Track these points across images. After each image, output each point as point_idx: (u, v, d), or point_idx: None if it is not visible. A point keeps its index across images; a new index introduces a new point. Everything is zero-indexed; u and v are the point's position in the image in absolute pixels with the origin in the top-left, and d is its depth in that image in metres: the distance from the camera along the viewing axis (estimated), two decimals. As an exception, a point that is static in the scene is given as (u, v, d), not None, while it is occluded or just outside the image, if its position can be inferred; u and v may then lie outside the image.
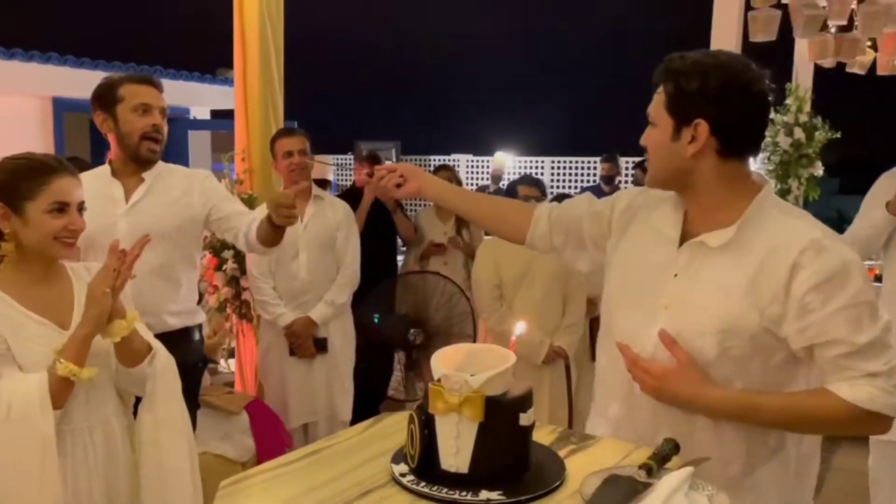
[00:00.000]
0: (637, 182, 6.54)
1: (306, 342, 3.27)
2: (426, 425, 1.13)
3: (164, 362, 1.77)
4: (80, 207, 1.72)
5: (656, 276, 1.40)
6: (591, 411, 1.61)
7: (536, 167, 10.83)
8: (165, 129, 2.32)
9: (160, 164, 2.37)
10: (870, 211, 2.73)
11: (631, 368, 1.39)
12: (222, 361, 4.18)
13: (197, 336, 2.49)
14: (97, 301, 1.59)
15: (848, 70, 4.68)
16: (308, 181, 3.31)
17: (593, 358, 3.44)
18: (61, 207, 1.66)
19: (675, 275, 1.38)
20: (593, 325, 3.46)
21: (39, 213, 1.63)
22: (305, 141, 3.28)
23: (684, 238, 1.40)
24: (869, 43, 4.27)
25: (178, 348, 2.41)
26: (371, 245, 3.63)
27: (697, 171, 1.36)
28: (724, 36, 3.62)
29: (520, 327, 1.35)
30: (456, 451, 1.11)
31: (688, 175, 1.37)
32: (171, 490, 1.74)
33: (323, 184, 4.63)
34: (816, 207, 5.06)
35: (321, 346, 3.31)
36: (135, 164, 2.31)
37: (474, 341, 3.91)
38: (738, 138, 1.35)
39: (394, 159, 11.30)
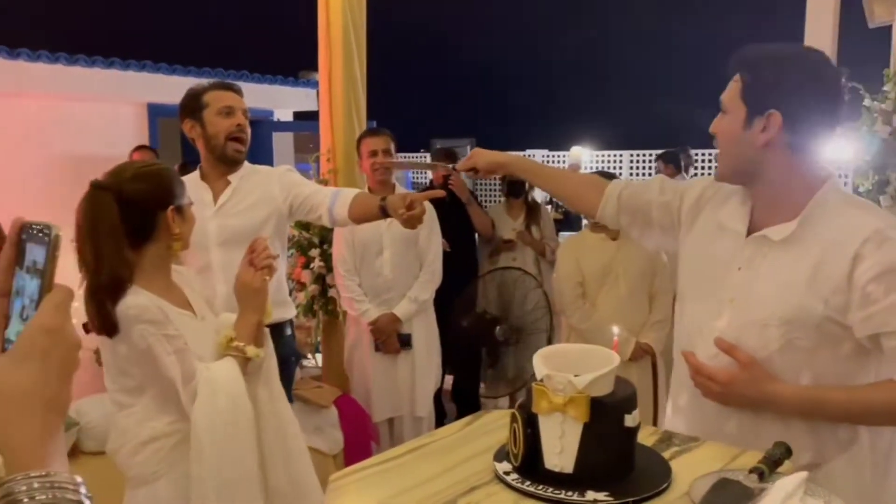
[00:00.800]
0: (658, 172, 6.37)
1: (390, 338, 3.33)
2: (529, 424, 1.14)
3: (270, 343, 1.88)
4: None
5: (722, 269, 1.42)
6: (668, 401, 1.62)
7: (614, 161, 10.65)
8: (249, 129, 2.44)
9: (245, 166, 2.48)
10: None
11: (694, 376, 1.41)
12: (309, 356, 4.31)
13: (289, 331, 2.58)
14: (258, 291, 1.75)
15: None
16: (391, 180, 3.37)
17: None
18: (191, 203, 1.81)
19: (739, 268, 1.39)
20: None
21: (189, 209, 1.77)
22: (389, 141, 3.35)
23: (750, 232, 1.41)
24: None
25: (274, 343, 2.53)
26: (451, 243, 3.66)
27: (766, 162, 1.37)
28: (819, 24, 3.47)
29: (616, 329, 1.35)
30: (560, 450, 1.11)
31: (756, 166, 1.38)
32: (295, 452, 1.86)
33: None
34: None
35: (405, 342, 3.36)
36: (223, 165, 2.43)
37: (550, 337, 3.90)
38: (810, 132, 1.36)
39: (469, 156, 11.31)
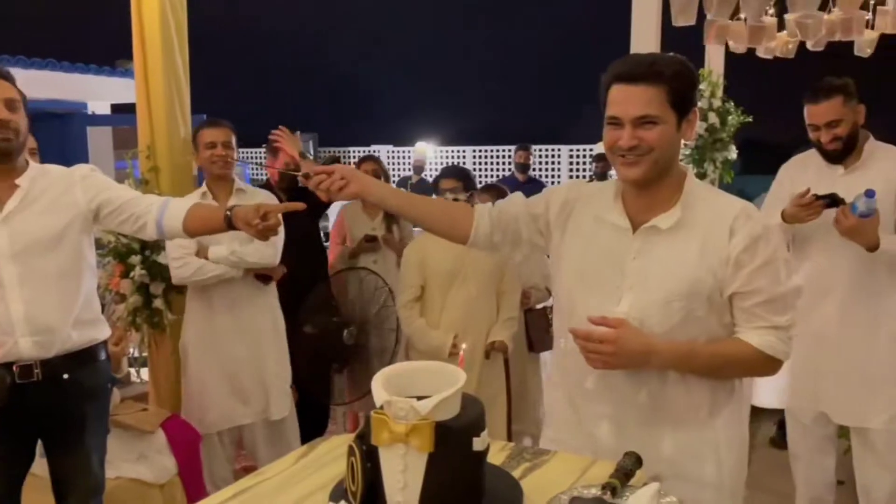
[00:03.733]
0: (599, 174, 6.53)
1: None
2: (369, 458, 1.01)
3: None
4: None
5: (615, 261, 1.54)
6: (558, 392, 1.67)
7: (458, 157, 10.79)
8: (14, 120, 2.03)
9: (34, 167, 2.13)
10: (772, 211, 2.65)
11: (585, 345, 1.45)
12: (133, 371, 3.91)
13: (103, 355, 2.26)
14: None
15: (759, 55, 4.82)
16: (232, 175, 3.13)
17: (530, 349, 3.45)
18: None
19: (634, 258, 1.53)
20: (527, 316, 3.43)
21: None
22: (230, 133, 3.10)
23: (631, 224, 1.55)
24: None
25: (86, 370, 2.19)
26: (298, 248, 3.42)
27: (676, 157, 1.54)
28: (644, 23, 3.62)
29: (464, 344, 1.25)
30: (403, 485, 0.99)
31: (671, 162, 1.52)
32: None
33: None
34: (721, 188, 5.12)
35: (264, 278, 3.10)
36: None
37: (398, 336, 3.79)
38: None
39: (311, 152, 11.01)
